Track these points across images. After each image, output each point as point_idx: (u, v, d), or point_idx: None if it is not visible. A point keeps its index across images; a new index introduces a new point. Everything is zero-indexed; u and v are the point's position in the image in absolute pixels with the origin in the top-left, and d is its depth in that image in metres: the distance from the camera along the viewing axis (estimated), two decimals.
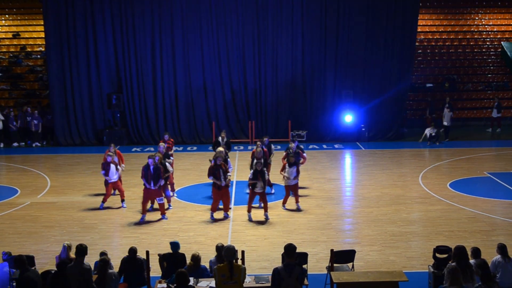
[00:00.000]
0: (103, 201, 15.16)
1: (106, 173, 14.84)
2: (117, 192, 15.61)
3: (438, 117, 25.58)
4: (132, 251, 9.64)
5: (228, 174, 14.28)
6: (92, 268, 8.95)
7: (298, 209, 14.75)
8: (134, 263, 9.55)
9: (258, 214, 14.21)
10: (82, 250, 8.79)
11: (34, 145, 24.22)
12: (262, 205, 14.28)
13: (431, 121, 25.55)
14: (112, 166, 14.86)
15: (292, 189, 14.87)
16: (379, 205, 15.23)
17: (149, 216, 14.26)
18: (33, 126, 24.06)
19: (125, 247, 9.99)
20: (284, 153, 15.88)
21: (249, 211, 14.15)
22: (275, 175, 16.29)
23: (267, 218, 14.02)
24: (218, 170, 13.97)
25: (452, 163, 20.44)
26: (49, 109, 24.82)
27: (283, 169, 14.91)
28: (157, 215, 14.29)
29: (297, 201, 14.92)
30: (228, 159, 15.58)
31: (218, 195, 14.06)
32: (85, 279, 8.55)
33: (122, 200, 15.33)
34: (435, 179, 17.82)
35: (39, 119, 24.16)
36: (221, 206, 14.33)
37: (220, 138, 17.45)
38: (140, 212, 14.31)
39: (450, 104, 25.24)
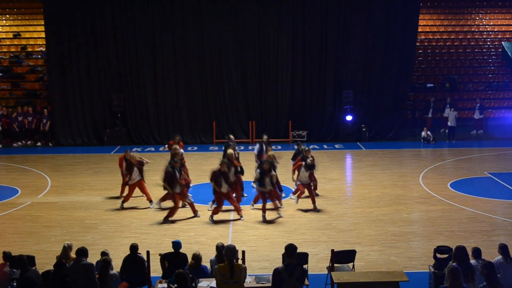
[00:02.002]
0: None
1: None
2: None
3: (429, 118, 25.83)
4: (133, 247, 9.64)
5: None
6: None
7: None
8: (134, 261, 9.55)
9: (259, 214, 14.21)
10: (83, 252, 8.82)
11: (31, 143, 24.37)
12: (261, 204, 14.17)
13: (424, 123, 25.53)
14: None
15: (301, 188, 14.85)
16: (379, 205, 15.23)
17: (150, 217, 14.26)
18: (42, 125, 24.24)
19: (126, 247, 10.00)
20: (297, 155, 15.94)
21: (263, 211, 14.10)
22: (283, 176, 16.32)
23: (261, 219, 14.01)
24: (220, 177, 13.79)
25: (452, 163, 20.44)
26: (40, 109, 24.87)
27: (298, 169, 14.84)
28: (158, 216, 14.31)
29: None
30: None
31: (221, 199, 13.96)
32: (88, 275, 8.56)
33: (150, 201, 15.44)
34: (435, 179, 17.81)
35: (47, 118, 24.28)
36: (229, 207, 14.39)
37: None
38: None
39: (451, 104, 25.24)
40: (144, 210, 14.85)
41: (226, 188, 13.83)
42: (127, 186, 15.38)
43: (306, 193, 15.04)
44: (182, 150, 15.51)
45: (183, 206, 14.69)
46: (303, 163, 14.73)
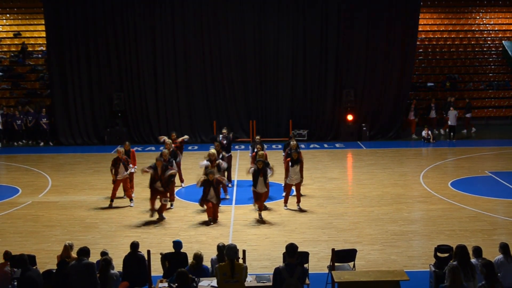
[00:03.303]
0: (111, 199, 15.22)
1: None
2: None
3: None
4: (133, 245, 9.64)
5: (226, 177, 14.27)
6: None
7: (300, 210, 14.70)
8: (134, 259, 9.55)
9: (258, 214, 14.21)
10: (85, 252, 8.82)
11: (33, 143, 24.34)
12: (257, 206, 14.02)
13: (425, 124, 25.41)
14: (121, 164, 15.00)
15: (295, 188, 14.75)
16: (380, 204, 15.23)
17: (151, 217, 14.26)
18: (42, 125, 24.24)
19: (127, 246, 10.00)
20: (285, 152, 15.95)
21: (260, 209, 14.02)
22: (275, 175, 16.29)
23: (260, 217, 13.93)
24: (209, 186, 13.54)
25: (453, 162, 20.44)
26: (38, 109, 24.83)
27: (287, 167, 14.76)
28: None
29: (298, 201, 14.85)
30: (221, 161, 15.18)
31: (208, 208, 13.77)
32: (88, 273, 8.57)
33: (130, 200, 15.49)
34: (436, 178, 17.81)
35: (46, 117, 24.27)
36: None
37: (221, 136, 17.41)
38: (147, 211, 14.35)
39: (452, 103, 25.22)
40: (145, 210, 14.83)
41: (215, 199, 13.66)
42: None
43: (306, 192, 15.01)
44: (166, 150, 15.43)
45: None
46: (290, 159, 14.64)
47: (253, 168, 13.98)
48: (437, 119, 25.91)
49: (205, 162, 14.76)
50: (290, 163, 14.55)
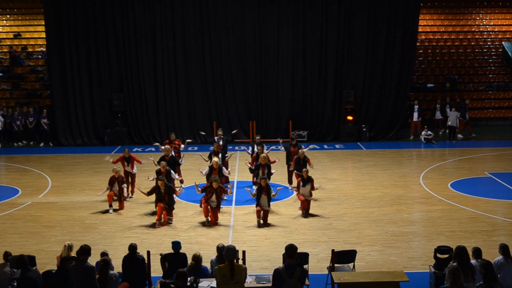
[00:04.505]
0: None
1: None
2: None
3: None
4: (132, 247, 9.64)
5: (228, 186, 14.17)
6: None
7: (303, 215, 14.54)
8: (133, 260, 9.56)
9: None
10: (86, 250, 8.81)
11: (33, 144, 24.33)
12: (261, 221, 13.70)
13: (425, 124, 25.32)
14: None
15: (301, 198, 14.36)
16: (380, 205, 15.23)
17: (151, 217, 14.26)
18: (42, 125, 24.21)
19: (126, 247, 9.99)
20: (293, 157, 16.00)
21: (258, 216, 13.76)
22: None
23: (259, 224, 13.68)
24: (212, 193, 13.51)
25: (453, 163, 20.44)
26: (38, 109, 24.81)
27: (297, 185, 14.38)
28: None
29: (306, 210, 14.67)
30: (223, 168, 15.38)
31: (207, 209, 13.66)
32: (88, 277, 8.56)
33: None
34: (436, 179, 17.82)
35: (46, 117, 24.23)
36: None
37: (216, 138, 17.42)
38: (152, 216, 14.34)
39: (451, 104, 25.21)
40: (144, 210, 14.84)
41: (215, 204, 13.63)
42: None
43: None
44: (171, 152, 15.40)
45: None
46: (300, 179, 14.30)
47: (254, 190, 13.93)
48: (442, 120, 25.87)
49: (207, 170, 14.78)
50: (301, 183, 14.21)
